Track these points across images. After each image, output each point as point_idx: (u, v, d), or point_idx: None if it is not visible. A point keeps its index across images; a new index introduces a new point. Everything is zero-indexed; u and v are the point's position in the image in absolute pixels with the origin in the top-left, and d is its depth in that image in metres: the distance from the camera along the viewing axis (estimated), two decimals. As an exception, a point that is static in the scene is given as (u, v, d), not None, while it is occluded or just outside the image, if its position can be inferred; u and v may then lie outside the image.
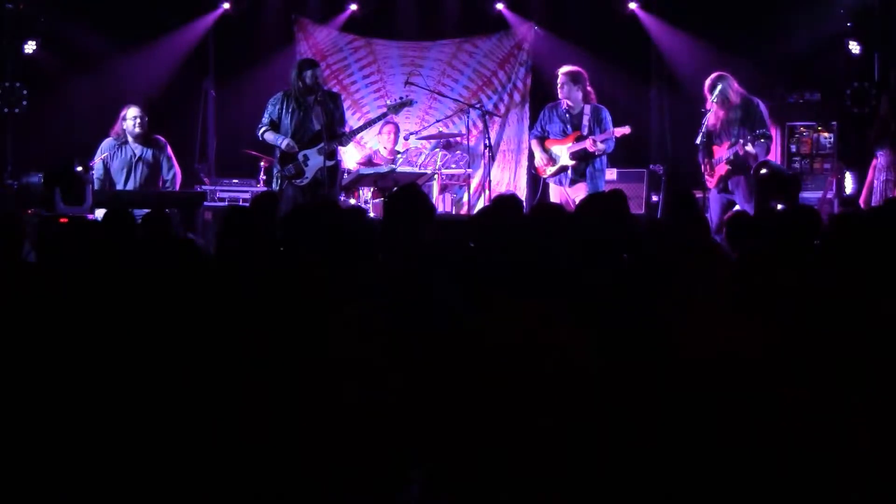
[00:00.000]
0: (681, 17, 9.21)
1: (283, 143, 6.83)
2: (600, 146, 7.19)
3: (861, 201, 7.66)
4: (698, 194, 6.91)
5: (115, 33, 9.08)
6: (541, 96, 9.01)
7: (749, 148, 6.69)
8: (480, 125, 8.57)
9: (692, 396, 2.47)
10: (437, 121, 9.33)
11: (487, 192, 8.03)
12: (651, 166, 8.92)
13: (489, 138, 7.98)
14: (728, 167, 6.83)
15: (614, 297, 2.93)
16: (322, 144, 6.77)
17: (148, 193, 7.28)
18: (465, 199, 9.11)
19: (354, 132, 7.33)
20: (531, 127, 8.79)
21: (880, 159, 7.59)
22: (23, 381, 2.57)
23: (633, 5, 9.46)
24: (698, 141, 6.96)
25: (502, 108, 9.58)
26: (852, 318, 2.55)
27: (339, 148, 7.03)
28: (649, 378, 2.51)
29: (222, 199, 8.44)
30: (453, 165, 9.14)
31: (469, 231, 4.01)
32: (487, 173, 8.10)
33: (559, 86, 7.38)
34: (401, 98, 7.61)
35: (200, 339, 2.63)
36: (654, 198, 8.78)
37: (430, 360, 2.67)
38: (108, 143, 7.44)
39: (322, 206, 4.42)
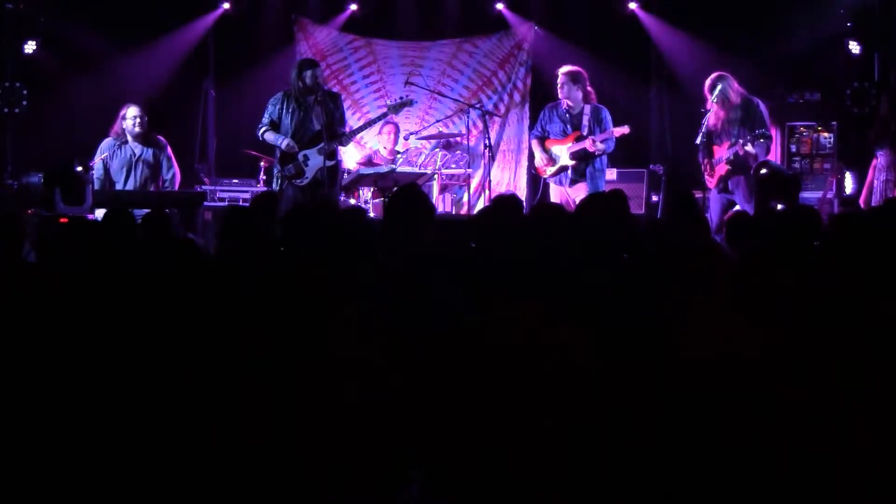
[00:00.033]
0: (681, 17, 9.21)
1: (284, 143, 6.83)
2: (600, 146, 7.19)
3: (861, 201, 7.66)
4: (698, 194, 6.91)
5: (115, 33, 9.07)
6: (541, 96, 9.01)
7: (749, 148, 6.69)
8: (480, 125, 8.57)
9: (692, 396, 2.47)
10: (437, 121, 9.33)
11: (487, 192, 8.03)
12: (651, 166, 8.92)
13: (489, 138, 7.98)
14: (728, 167, 6.83)
15: (614, 297, 2.93)
16: (322, 144, 6.77)
17: (148, 193, 7.28)
18: (465, 199, 9.11)
19: (354, 132, 7.33)
20: (531, 127, 8.80)
21: (880, 159, 7.59)
22: (23, 380, 2.57)
23: (633, 5, 9.46)
24: (698, 141, 6.96)
25: (502, 108, 9.58)
26: (852, 318, 2.55)
27: (339, 148, 7.03)
28: (649, 378, 2.51)
29: (222, 199, 8.44)
30: (453, 165, 9.14)
31: (469, 231, 4.01)
32: (487, 173, 8.10)
33: (559, 86, 7.39)
34: (401, 98, 7.61)
35: (200, 339, 2.63)
36: (654, 198, 8.78)
37: (430, 360, 2.67)
38: (107, 142, 7.44)
39: (322, 206, 4.43)
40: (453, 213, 9.00)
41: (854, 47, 8.67)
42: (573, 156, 7.28)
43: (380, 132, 8.81)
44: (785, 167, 8.09)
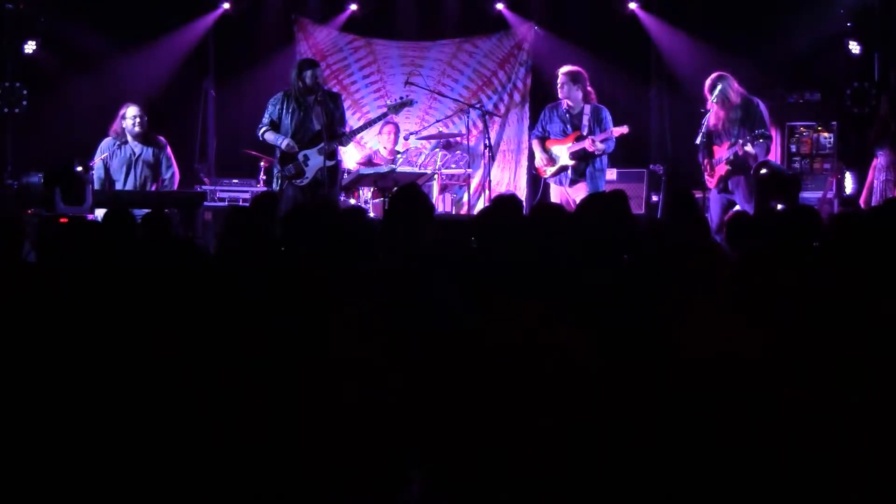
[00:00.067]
0: (681, 17, 9.21)
1: (284, 143, 6.83)
2: (599, 146, 7.20)
3: (861, 201, 7.66)
4: (698, 194, 6.91)
5: (115, 33, 9.07)
6: (541, 96, 9.01)
7: (748, 148, 6.69)
8: (480, 125, 8.57)
9: (692, 396, 2.47)
10: (437, 121, 9.33)
11: (487, 192, 8.03)
12: (651, 166, 8.92)
13: (489, 138, 7.99)
14: (728, 167, 6.83)
15: (614, 297, 2.93)
16: (322, 144, 6.77)
17: (148, 193, 7.29)
18: (465, 199, 9.11)
19: (354, 132, 7.33)
20: (531, 127, 8.80)
21: (880, 159, 7.59)
22: (23, 380, 2.57)
23: (633, 5, 9.46)
24: (698, 141, 6.96)
25: (502, 108, 9.58)
26: (852, 318, 2.55)
27: (339, 148, 7.03)
28: (649, 378, 2.51)
29: (222, 199, 8.44)
30: (453, 165, 9.14)
31: (469, 231, 4.01)
32: (487, 173, 8.10)
33: (559, 86, 7.39)
34: (401, 98, 7.61)
35: (200, 339, 2.63)
36: (654, 198, 8.78)
37: (430, 360, 2.67)
38: (107, 142, 7.45)
39: (322, 206, 4.43)
40: (453, 213, 9.00)
41: (854, 47, 8.67)
42: (573, 156, 7.28)
43: (380, 132, 8.81)
44: (785, 167, 8.09)
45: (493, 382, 2.52)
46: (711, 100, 6.91)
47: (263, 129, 6.93)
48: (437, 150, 9.10)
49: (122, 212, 4.69)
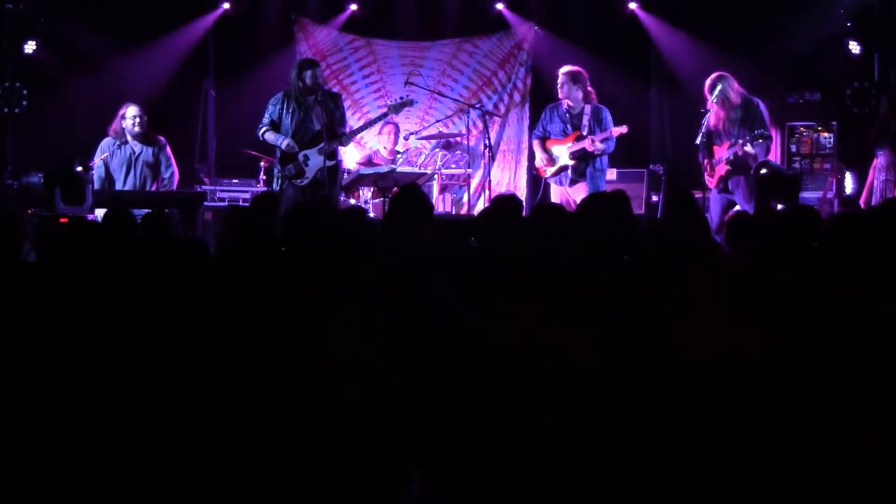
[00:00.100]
0: (681, 17, 9.21)
1: (284, 143, 6.83)
2: (599, 146, 7.19)
3: (861, 202, 7.66)
4: (698, 194, 6.91)
5: (115, 33, 9.07)
6: (541, 96, 9.01)
7: (748, 148, 6.69)
8: (480, 125, 8.57)
9: (692, 396, 2.47)
10: (437, 121, 9.33)
11: (487, 192, 8.03)
12: (651, 166, 8.92)
13: (489, 138, 7.98)
14: (728, 167, 6.83)
15: (614, 297, 2.93)
16: (322, 144, 6.77)
17: (148, 193, 7.29)
18: (465, 199, 9.11)
19: (354, 132, 7.33)
20: (531, 127, 8.80)
21: (880, 159, 7.59)
22: (23, 380, 2.57)
23: (633, 5, 9.46)
24: (698, 141, 6.96)
25: (502, 108, 9.57)
26: (852, 318, 2.55)
27: (340, 148, 7.03)
28: (649, 378, 2.51)
29: (222, 199, 8.44)
30: (453, 165, 9.14)
31: (469, 231, 4.01)
32: (487, 173, 8.10)
33: (559, 85, 7.39)
34: (401, 98, 7.61)
35: (200, 339, 2.63)
36: (654, 198, 8.77)
37: (430, 360, 2.67)
38: (107, 142, 7.44)
39: (322, 206, 4.43)
40: (453, 213, 9.00)
41: (854, 47, 8.67)
42: (573, 156, 7.28)
43: (380, 132, 8.81)
44: (785, 167, 8.09)
45: (492, 382, 2.52)
46: (711, 100, 6.90)
47: (264, 129, 6.93)
48: (437, 150, 9.10)
49: (122, 212, 4.69)
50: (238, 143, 8.78)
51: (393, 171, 7.80)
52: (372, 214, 7.38)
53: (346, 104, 8.58)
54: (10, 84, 8.71)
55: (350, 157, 8.46)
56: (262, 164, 8.37)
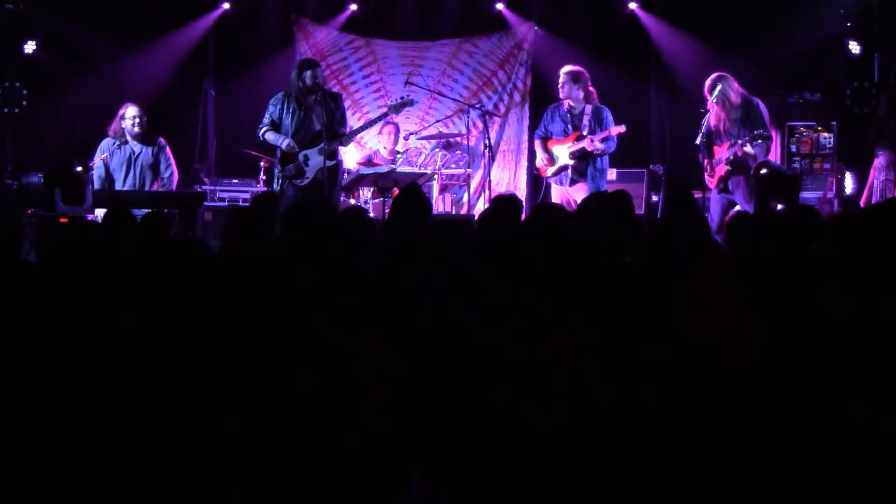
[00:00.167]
0: (681, 17, 9.21)
1: (284, 143, 6.83)
2: (599, 146, 7.19)
3: (862, 202, 7.66)
4: (698, 194, 6.91)
5: (115, 33, 9.07)
6: (541, 96, 9.01)
7: (748, 149, 6.69)
8: (480, 125, 8.57)
9: (692, 396, 2.47)
10: (437, 121, 9.32)
11: (487, 192, 8.02)
12: (651, 166, 8.92)
13: (489, 138, 7.98)
14: (728, 168, 6.82)
15: (614, 298, 2.93)
16: (322, 144, 6.77)
17: (148, 193, 7.28)
18: (465, 199, 9.11)
19: (355, 132, 7.33)
20: (532, 127, 8.79)
21: (880, 159, 7.59)
22: (23, 381, 2.57)
23: (633, 5, 9.46)
24: (698, 141, 6.96)
25: (502, 108, 9.57)
26: (852, 318, 2.55)
27: (340, 148, 7.02)
28: (649, 378, 2.51)
29: (222, 199, 8.44)
30: (453, 165, 9.14)
31: (469, 231, 4.01)
32: (487, 173, 8.10)
33: (560, 85, 7.39)
34: (401, 98, 7.60)
35: (200, 339, 2.63)
36: (654, 198, 8.77)
37: (430, 360, 2.67)
38: (106, 142, 7.44)
39: (322, 206, 4.43)
40: (453, 213, 9.00)
41: (854, 47, 8.67)
42: (573, 155, 7.28)
43: (380, 132, 8.81)
44: (785, 167, 8.09)
45: (492, 382, 2.52)
46: (711, 100, 6.90)
47: (264, 129, 6.92)
48: (437, 150, 9.10)
49: (122, 212, 4.69)
50: (238, 143, 8.77)
51: (393, 171, 7.80)
52: (372, 214, 7.38)
53: (346, 104, 8.57)
54: (10, 84, 8.72)
55: (350, 157, 8.46)
56: (262, 164, 8.37)
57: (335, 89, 8.62)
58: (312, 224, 3.69)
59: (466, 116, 8.77)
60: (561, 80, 7.38)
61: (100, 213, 6.59)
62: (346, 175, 7.77)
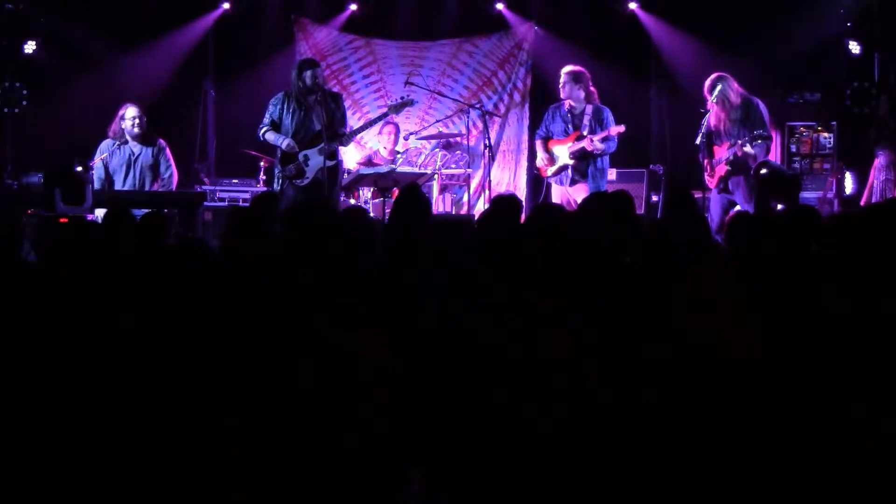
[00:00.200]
0: (681, 17, 9.21)
1: (284, 143, 6.83)
2: (599, 146, 7.19)
3: (862, 202, 7.66)
4: (698, 194, 6.91)
5: (115, 33, 9.07)
6: (541, 96, 9.01)
7: (748, 149, 6.68)
8: (480, 125, 8.57)
9: (692, 396, 2.47)
10: (437, 121, 9.32)
11: (487, 192, 8.02)
12: (651, 166, 8.92)
13: (489, 138, 7.98)
14: (728, 168, 6.82)
15: (614, 298, 2.93)
16: (322, 144, 6.77)
17: (148, 193, 7.28)
18: (465, 199, 9.11)
19: (355, 132, 7.33)
20: (532, 127, 8.79)
21: (880, 159, 7.59)
22: (23, 381, 2.57)
23: (633, 5, 9.46)
24: (698, 141, 6.96)
25: (502, 108, 9.57)
26: (852, 318, 2.55)
27: (340, 148, 7.02)
28: (649, 378, 2.51)
29: (222, 199, 8.44)
30: (453, 165, 9.14)
31: (469, 231, 4.02)
32: (487, 173, 8.10)
33: (561, 85, 7.39)
34: (402, 98, 7.60)
35: (200, 339, 2.63)
36: (654, 198, 8.77)
37: (430, 360, 2.67)
38: (106, 143, 7.43)
39: (321, 206, 4.43)
40: (453, 213, 8.99)
41: (854, 47, 8.67)
42: (573, 155, 7.28)
43: (380, 132, 8.81)
44: (785, 167, 8.09)
45: (492, 382, 2.52)
46: (711, 100, 6.90)
47: (264, 129, 6.92)
48: (437, 150, 9.09)
49: (122, 212, 4.69)
50: (238, 143, 8.77)
51: (393, 171, 7.80)
52: (372, 214, 7.38)
53: (347, 104, 8.56)
54: (10, 84, 8.72)
55: (350, 157, 8.46)
56: (262, 164, 8.37)
57: (335, 89, 8.61)
58: (312, 224, 3.69)
59: (466, 116, 8.77)
60: (562, 80, 7.38)
61: (100, 213, 6.59)
62: (346, 175, 7.77)
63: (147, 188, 7.39)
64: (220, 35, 9.61)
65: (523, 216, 5.25)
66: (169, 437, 2.46)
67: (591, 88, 7.39)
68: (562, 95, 7.41)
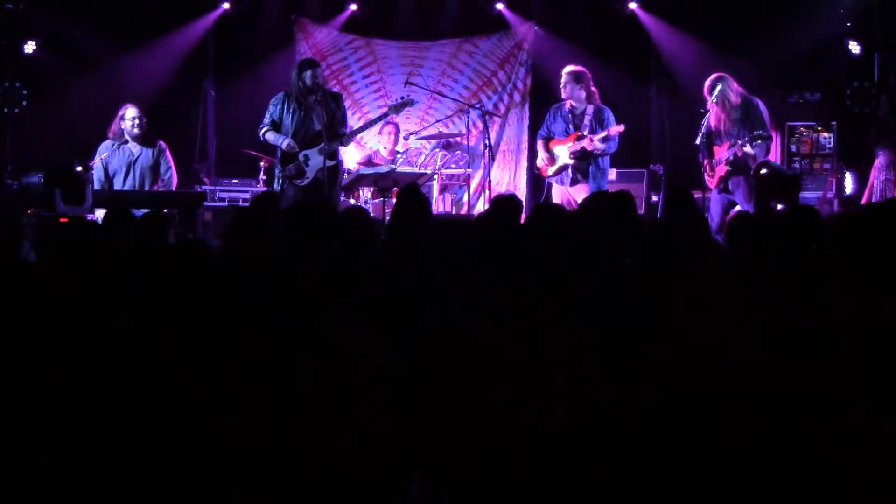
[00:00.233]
0: (681, 17, 9.21)
1: (284, 143, 6.83)
2: (598, 145, 7.19)
3: (863, 202, 7.66)
4: (698, 194, 6.91)
5: (115, 33, 9.07)
6: (541, 96, 9.01)
7: (747, 149, 6.68)
8: (480, 125, 8.57)
9: (692, 396, 2.47)
10: (437, 121, 9.32)
11: (487, 192, 8.02)
12: (651, 166, 8.92)
13: (489, 138, 7.98)
14: (728, 168, 6.82)
15: (614, 298, 2.93)
16: (322, 144, 6.77)
17: (148, 193, 7.27)
18: (465, 199, 9.11)
19: (355, 132, 7.33)
20: (532, 127, 8.78)
21: (880, 159, 7.59)
22: (23, 381, 2.57)
23: (633, 5, 9.46)
24: (698, 141, 6.96)
25: (502, 108, 9.58)
26: (852, 318, 2.55)
27: (340, 148, 7.02)
28: (649, 378, 2.51)
29: (222, 199, 8.44)
30: (453, 165, 9.14)
31: (469, 231, 4.01)
32: (487, 173, 8.10)
33: (562, 85, 7.39)
34: (401, 98, 7.60)
35: (200, 339, 2.63)
36: (654, 198, 8.77)
37: (430, 360, 2.67)
38: (106, 144, 7.42)
39: (321, 206, 4.43)
40: (453, 213, 9.00)
41: (854, 47, 8.67)
42: (573, 155, 7.28)
43: (380, 132, 8.81)
44: (785, 167, 8.09)
45: (492, 382, 2.52)
46: (711, 100, 6.90)
47: (264, 129, 6.92)
48: (437, 150, 9.09)
49: (122, 212, 4.69)
50: (238, 143, 8.77)
51: (393, 171, 7.80)
52: (372, 214, 7.38)
53: (347, 104, 8.56)
54: (10, 84, 8.72)
55: (350, 157, 8.46)
56: (262, 164, 8.37)
57: (335, 89, 8.61)
58: (312, 224, 3.69)
59: (466, 116, 8.77)
60: (563, 80, 7.38)
61: (100, 213, 6.58)
62: (346, 175, 7.77)
63: (147, 189, 7.38)
64: (220, 35, 9.61)
65: (523, 216, 5.25)
66: (169, 437, 2.46)
67: (593, 88, 7.39)
68: (563, 95, 7.41)
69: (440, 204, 8.78)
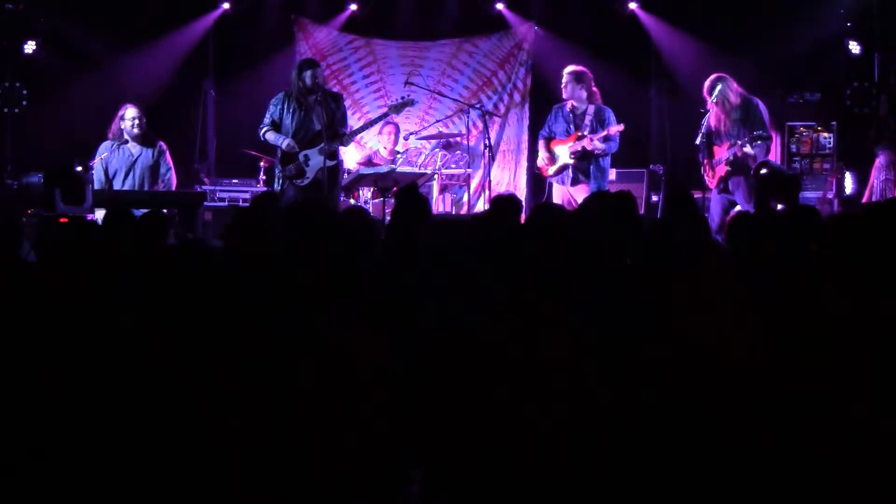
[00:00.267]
0: (681, 17, 9.21)
1: (284, 143, 6.83)
2: (599, 145, 7.19)
3: (863, 202, 7.66)
4: (698, 194, 6.91)
5: (115, 33, 9.07)
6: (541, 96, 9.01)
7: (747, 149, 6.69)
8: (480, 125, 8.57)
9: (692, 396, 2.47)
10: (437, 121, 9.33)
11: (487, 192, 8.02)
12: (651, 166, 8.92)
13: (489, 138, 7.98)
14: (728, 168, 6.82)
15: (614, 298, 2.93)
16: (323, 144, 6.77)
17: (148, 193, 7.27)
18: (465, 199, 9.11)
19: (355, 132, 7.33)
20: (531, 127, 8.78)
21: (880, 159, 7.59)
22: (23, 381, 2.57)
23: (633, 5, 9.46)
24: (698, 141, 6.96)
25: (502, 108, 9.58)
26: (852, 318, 2.55)
27: (340, 148, 7.02)
28: (649, 378, 2.51)
29: (222, 199, 8.44)
30: (453, 165, 9.14)
31: (469, 231, 4.01)
32: (487, 173, 8.10)
33: (563, 85, 7.38)
34: (402, 98, 7.60)
35: (201, 339, 2.63)
36: (654, 198, 8.77)
37: (430, 359, 2.67)
38: (105, 145, 7.41)
39: (321, 206, 4.43)
40: (453, 213, 9.00)
41: (854, 47, 8.67)
42: (573, 155, 7.28)
43: (380, 132, 8.81)
44: (785, 167, 8.09)
45: (492, 382, 2.52)
46: (711, 100, 6.90)
47: (265, 129, 6.92)
48: (437, 150, 9.10)
49: (122, 212, 4.69)
50: (238, 143, 8.78)
51: (393, 171, 7.80)
52: (372, 214, 7.38)
53: (347, 104, 8.56)
54: (10, 84, 8.72)
55: (350, 157, 8.46)
56: (262, 164, 8.37)
57: (335, 89, 8.61)
58: (312, 224, 3.69)
59: (466, 116, 8.77)
60: (564, 80, 7.37)
61: (100, 213, 6.58)
62: (346, 175, 7.77)
63: (147, 189, 7.38)
64: (220, 35, 9.61)
65: (523, 216, 5.25)
66: (169, 437, 2.46)
67: (594, 88, 7.39)
68: (564, 95, 7.41)
69: (440, 204, 8.78)
